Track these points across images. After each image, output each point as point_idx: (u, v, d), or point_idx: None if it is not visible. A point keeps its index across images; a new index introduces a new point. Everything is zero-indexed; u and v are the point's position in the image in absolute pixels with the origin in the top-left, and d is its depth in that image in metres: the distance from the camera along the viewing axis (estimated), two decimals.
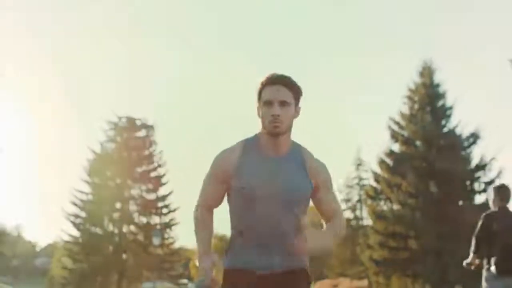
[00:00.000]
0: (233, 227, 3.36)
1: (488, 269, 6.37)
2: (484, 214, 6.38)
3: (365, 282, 37.79)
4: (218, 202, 3.43)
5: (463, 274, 28.10)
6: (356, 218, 44.69)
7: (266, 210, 3.25)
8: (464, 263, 6.52)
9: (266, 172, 3.27)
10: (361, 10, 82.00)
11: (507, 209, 6.39)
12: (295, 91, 3.29)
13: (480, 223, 6.34)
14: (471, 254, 6.33)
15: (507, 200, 6.46)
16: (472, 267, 6.48)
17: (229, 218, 3.42)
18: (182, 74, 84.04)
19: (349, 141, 78.25)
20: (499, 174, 30.40)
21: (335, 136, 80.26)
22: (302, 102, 3.39)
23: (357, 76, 78.67)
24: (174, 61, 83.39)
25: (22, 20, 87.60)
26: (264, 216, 3.25)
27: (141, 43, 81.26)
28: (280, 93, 3.24)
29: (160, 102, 78.70)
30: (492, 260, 6.32)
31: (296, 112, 3.33)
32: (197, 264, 3.32)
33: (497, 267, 6.29)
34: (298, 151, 3.36)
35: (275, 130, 3.23)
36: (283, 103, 3.23)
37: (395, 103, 31.95)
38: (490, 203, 6.47)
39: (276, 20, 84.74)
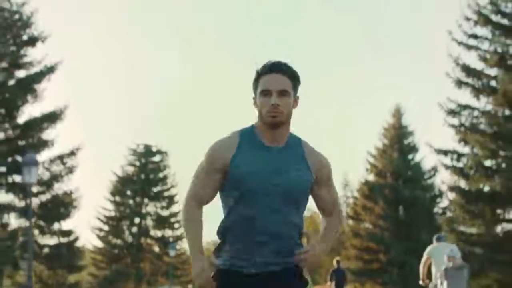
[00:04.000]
0: (225, 222, 3.24)
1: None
2: (331, 270, 17.50)
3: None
4: (210, 196, 3.27)
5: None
6: (342, 233, 54.01)
7: (264, 203, 3.15)
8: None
9: (266, 163, 3.18)
10: (360, 14, 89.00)
11: (339, 267, 17.23)
12: (294, 79, 3.22)
13: (331, 271, 17.20)
14: (329, 281, 17.48)
15: (339, 265, 17.27)
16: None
17: (220, 215, 3.28)
18: (183, 85, 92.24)
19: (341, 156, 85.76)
20: None
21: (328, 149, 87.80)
22: (300, 92, 3.28)
23: (354, 87, 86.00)
24: (176, 72, 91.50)
25: None
26: (262, 210, 3.16)
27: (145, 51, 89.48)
28: (279, 82, 3.17)
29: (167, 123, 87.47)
30: (334, 282, 17.31)
31: (295, 102, 3.25)
32: (192, 264, 3.17)
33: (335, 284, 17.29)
34: (297, 142, 3.28)
35: (274, 120, 3.15)
36: (282, 93, 3.15)
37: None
38: (334, 264, 17.41)
39: (275, 21, 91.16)
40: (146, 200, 47.70)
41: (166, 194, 48.26)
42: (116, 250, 46.77)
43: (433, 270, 12.14)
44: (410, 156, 41.18)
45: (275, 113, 3.14)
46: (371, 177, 41.61)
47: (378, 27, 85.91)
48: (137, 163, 48.35)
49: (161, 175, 48.50)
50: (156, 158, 48.85)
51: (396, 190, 39.64)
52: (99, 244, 46.76)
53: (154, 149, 48.82)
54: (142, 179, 47.60)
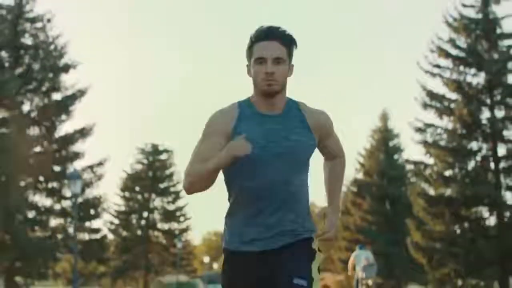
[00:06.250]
0: (234, 197, 3.35)
1: None
2: None
3: (343, 276, 52.78)
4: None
5: (405, 271, 43.66)
6: None
7: (267, 173, 3.24)
8: None
9: (265, 132, 3.26)
10: (361, 7, 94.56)
11: None
12: (290, 46, 3.28)
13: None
14: None
15: None
16: None
17: (227, 191, 3.40)
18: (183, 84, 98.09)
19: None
20: None
21: None
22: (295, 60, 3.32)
23: (350, 88, 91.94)
24: (178, 71, 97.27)
25: None
26: (265, 180, 3.25)
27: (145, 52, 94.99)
28: (274, 49, 3.22)
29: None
30: None
31: (290, 70, 3.31)
32: (221, 156, 3.16)
33: None
34: (294, 106, 3.36)
35: (270, 88, 3.21)
36: (277, 60, 3.21)
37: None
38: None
39: (275, 18, 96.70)
40: (153, 196, 52.28)
41: (172, 189, 52.73)
42: (126, 242, 51.10)
43: (356, 267, 19.15)
44: (395, 157, 47.31)
45: (270, 81, 3.20)
46: (360, 176, 47.82)
47: (375, 28, 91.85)
48: (145, 161, 53.01)
49: (167, 172, 53.18)
50: (163, 156, 53.47)
51: (382, 188, 45.79)
52: (110, 236, 50.17)
53: (161, 148, 53.54)
54: (150, 176, 52.31)
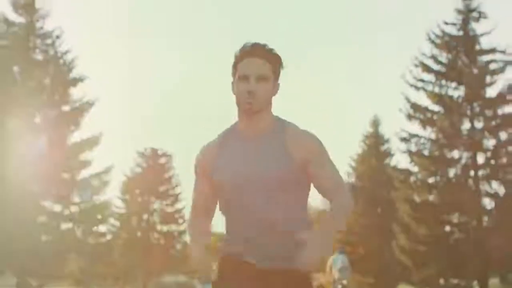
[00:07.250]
0: (225, 226, 3.41)
1: None
2: None
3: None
4: (209, 203, 3.45)
5: (396, 271, 46.28)
6: None
7: (247, 199, 3.22)
8: None
9: (243, 158, 3.25)
10: (356, 11, 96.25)
11: None
12: (275, 64, 3.25)
13: None
14: None
15: None
16: None
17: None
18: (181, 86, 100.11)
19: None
20: None
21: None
22: (282, 78, 3.30)
23: (346, 91, 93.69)
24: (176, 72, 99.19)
25: None
26: (246, 207, 3.23)
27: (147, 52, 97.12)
28: (257, 67, 3.19)
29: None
30: None
31: (275, 88, 3.27)
32: (192, 256, 3.34)
33: None
34: (281, 127, 3.29)
35: (249, 109, 3.20)
36: (260, 78, 3.19)
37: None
38: None
39: (277, 17, 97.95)
40: (152, 198, 54.46)
41: (171, 192, 55.13)
42: (126, 243, 52.78)
43: (333, 269, 22.19)
44: (386, 161, 50.05)
45: (252, 100, 3.18)
46: (352, 180, 50.59)
47: (369, 32, 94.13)
48: (145, 165, 55.47)
49: (166, 175, 55.55)
50: (162, 160, 55.89)
51: (373, 191, 48.54)
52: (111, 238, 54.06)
53: (159, 152, 55.99)
54: (149, 179, 54.25)
